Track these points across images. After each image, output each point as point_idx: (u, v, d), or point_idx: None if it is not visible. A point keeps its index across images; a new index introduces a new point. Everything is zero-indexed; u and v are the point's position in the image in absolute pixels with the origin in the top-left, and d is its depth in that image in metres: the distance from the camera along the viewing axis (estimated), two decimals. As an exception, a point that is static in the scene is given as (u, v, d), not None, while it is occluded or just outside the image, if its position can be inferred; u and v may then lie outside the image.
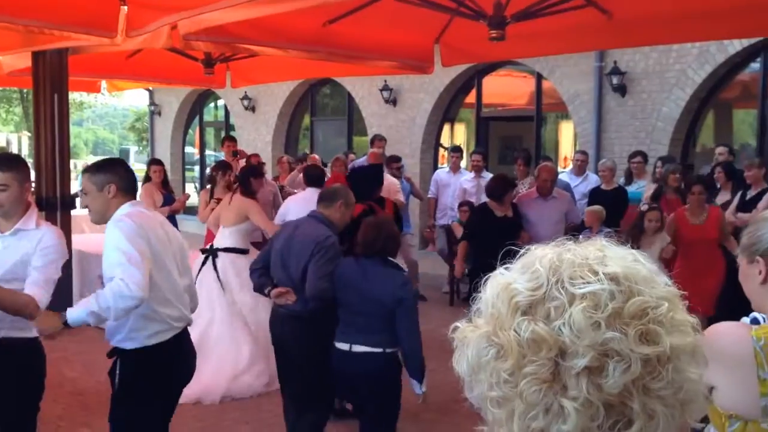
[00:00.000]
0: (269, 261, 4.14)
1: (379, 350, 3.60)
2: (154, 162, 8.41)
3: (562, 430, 0.84)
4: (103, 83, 9.65)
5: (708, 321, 1.96)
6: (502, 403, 0.88)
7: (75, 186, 8.74)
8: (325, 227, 3.97)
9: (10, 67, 6.83)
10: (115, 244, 3.05)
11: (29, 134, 26.11)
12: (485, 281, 0.95)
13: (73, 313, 3.02)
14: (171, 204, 8.11)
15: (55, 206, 6.07)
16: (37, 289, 3.06)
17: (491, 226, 6.27)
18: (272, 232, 6.26)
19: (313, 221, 4.09)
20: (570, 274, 0.88)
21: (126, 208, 3.23)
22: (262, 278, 4.12)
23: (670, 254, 5.99)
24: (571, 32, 5.55)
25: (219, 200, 6.66)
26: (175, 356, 3.26)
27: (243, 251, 6.11)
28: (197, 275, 5.83)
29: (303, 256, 3.90)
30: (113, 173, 3.28)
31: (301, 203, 6.02)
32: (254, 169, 7.06)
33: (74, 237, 6.89)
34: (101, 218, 3.27)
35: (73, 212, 6.74)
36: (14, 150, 31.30)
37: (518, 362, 0.86)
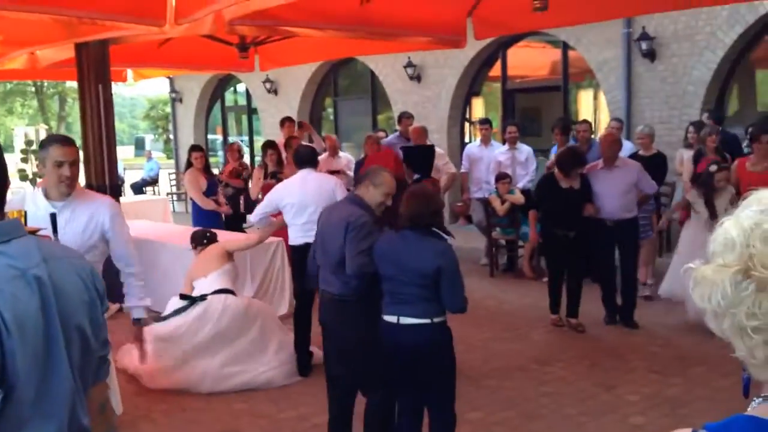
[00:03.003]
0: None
1: (427, 321, 3.57)
2: (194, 149, 8.45)
3: None
4: (129, 72, 9.66)
5: None
6: (763, 330, 1.00)
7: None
8: (358, 207, 3.98)
9: (47, 60, 6.87)
10: None
11: (46, 127, 26.17)
12: (721, 225, 1.07)
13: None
14: (215, 189, 8.22)
15: (105, 193, 6.15)
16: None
17: (557, 197, 6.36)
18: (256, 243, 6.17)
19: (346, 202, 4.18)
20: None
21: None
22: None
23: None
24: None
25: (274, 175, 6.66)
26: None
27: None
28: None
29: (338, 237, 3.91)
30: None
31: (297, 185, 5.54)
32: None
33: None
34: None
35: (121, 199, 6.80)
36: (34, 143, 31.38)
37: None
